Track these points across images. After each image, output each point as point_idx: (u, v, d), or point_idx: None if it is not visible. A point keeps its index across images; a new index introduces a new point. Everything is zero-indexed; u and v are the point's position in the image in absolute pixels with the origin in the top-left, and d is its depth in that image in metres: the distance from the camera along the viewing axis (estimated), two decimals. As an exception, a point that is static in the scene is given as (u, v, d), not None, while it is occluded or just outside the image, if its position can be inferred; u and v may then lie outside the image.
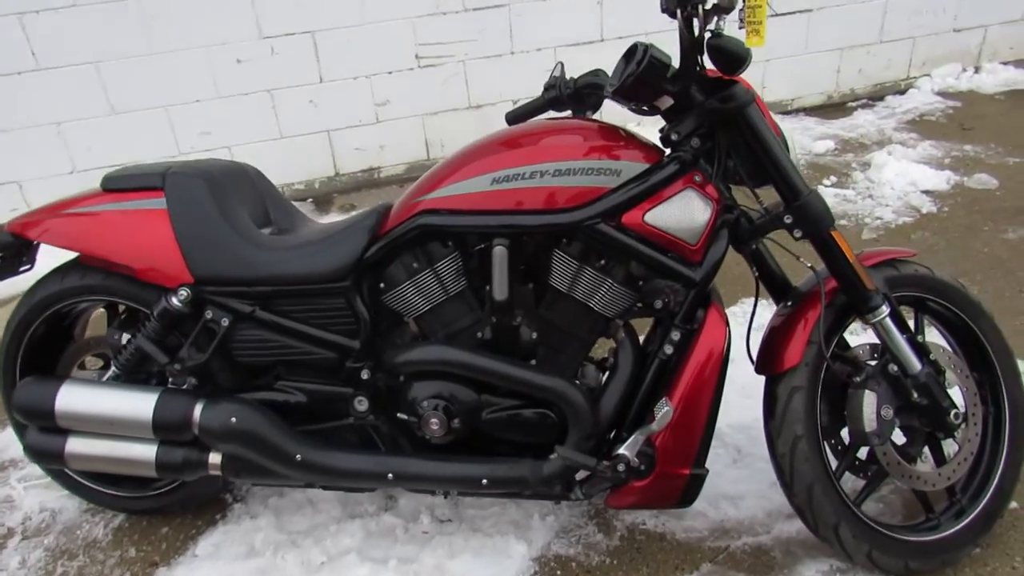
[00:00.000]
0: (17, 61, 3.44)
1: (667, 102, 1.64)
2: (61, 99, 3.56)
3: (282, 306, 1.77)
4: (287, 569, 1.90)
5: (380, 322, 1.78)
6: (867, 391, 1.65)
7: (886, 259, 1.76)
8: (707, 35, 1.50)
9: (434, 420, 1.69)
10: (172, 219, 1.75)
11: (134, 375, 1.86)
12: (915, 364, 1.65)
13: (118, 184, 1.83)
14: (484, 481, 1.69)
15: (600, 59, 3.99)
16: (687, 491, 1.66)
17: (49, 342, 1.99)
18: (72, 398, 1.71)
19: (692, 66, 1.54)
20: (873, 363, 1.69)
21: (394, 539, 1.97)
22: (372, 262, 1.72)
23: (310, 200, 4.20)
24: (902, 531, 1.73)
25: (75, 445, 1.76)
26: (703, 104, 1.60)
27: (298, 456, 1.71)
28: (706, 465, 1.68)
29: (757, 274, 1.81)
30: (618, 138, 1.65)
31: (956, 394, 1.75)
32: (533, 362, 1.73)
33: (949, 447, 1.79)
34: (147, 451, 1.75)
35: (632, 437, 1.62)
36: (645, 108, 1.68)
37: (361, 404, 1.78)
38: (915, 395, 1.65)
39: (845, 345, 1.76)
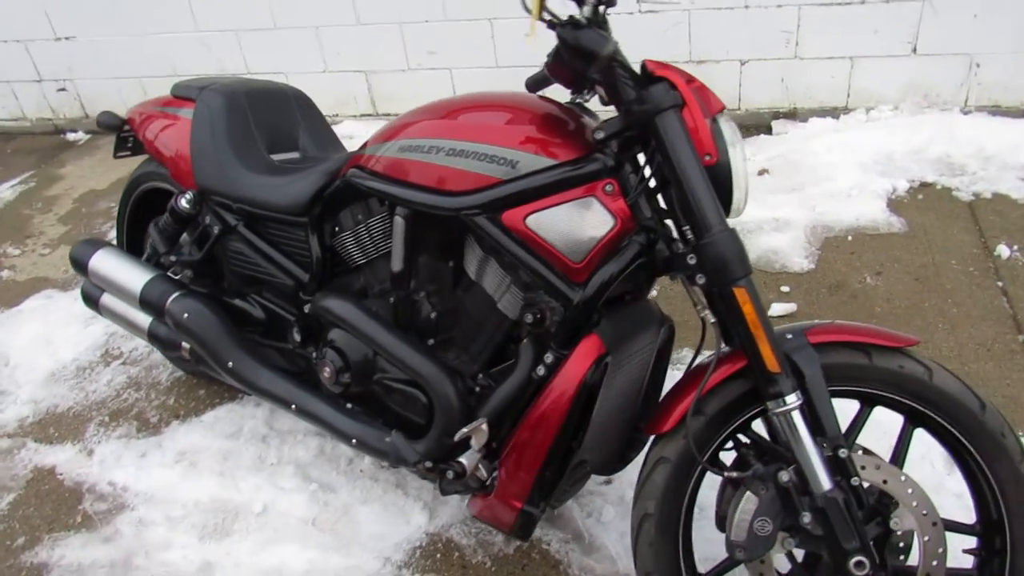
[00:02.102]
0: (288, -31, 3.98)
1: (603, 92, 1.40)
2: (321, 5, 4.03)
3: (258, 227, 1.92)
4: (242, 460, 2.14)
5: (337, 264, 1.84)
6: (749, 493, 1.31)
7: (853, 340, 1.33)
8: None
9: (327, 368, 1.73)
10: (191, 130, 1.97)
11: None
12: (821, 481, 1.25)
13: (178, 92, 2.10)
14: (353, 441, 1.70)
15: (853, 24, 3.38)
16: (520, 525, 1.50)
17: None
18: (99, 262, 2.06)
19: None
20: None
21: (334, 467, 2.08)
22: (327, 204, 1.77)
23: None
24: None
25: (105, 300, 2.14)
26: (629, 103, 1.33)
27: (230, 363, 1.88)
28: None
29: (704, 313, 1.47)
30: (547, 126, 1.43)
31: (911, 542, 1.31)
32: (431, 342, 1.66)
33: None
34: (145, 321, 2.06)
35: (470, 450, 1.51)
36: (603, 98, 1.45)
37: (297, 335, 1.88)
38: (806, 519, 1.27)
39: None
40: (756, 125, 3.73)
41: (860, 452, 1.38)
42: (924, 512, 1.30)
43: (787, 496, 1.28)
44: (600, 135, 1.36)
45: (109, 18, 4.36)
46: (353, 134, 3.93)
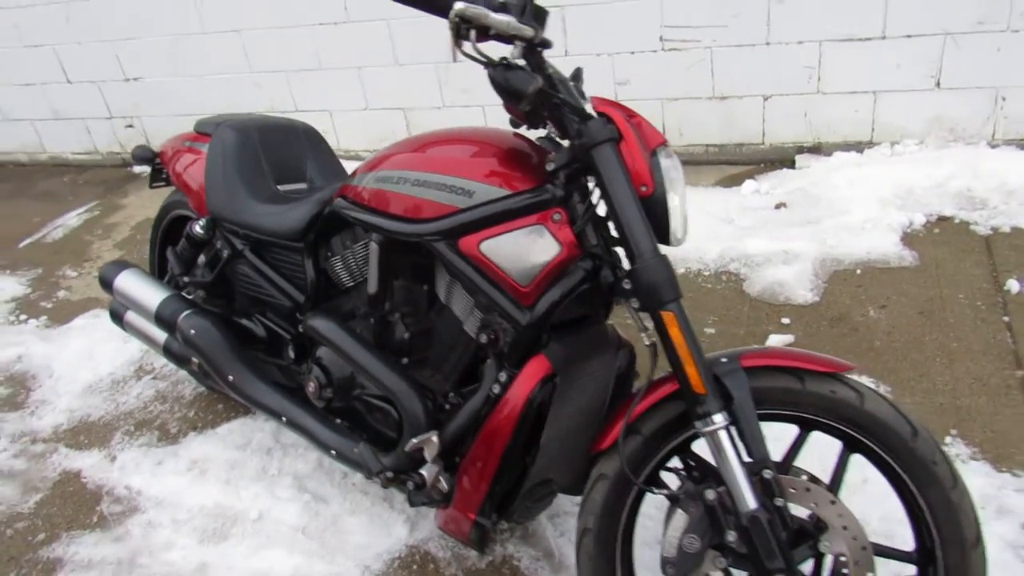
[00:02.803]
0: (334, 14, 4.20)
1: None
2: (362, 48, 4.25)
3: (262, 252, 2.07)
4: (247, 470, 2.27)
5: (330, 286, 1.97)
6: (680, 511, 1.36)
7: (786, 365, 1.37)
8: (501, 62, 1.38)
9: (312, 382, 1.85)
10: (206, 163, 2.14)
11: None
12: (745, 500, 1.29)
13: (200, 128, 2.29)
14: (332, 452, 1.81)
15: (875, 59, 3.38)
16: (474, 537, 1.57)
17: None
18: (123, 282, 2.25)
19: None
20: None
21: (330, 480, 2.19)
22: (320, 231, 1.91)
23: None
24: None
25: (129, 317, 2.33)
26: (572, 137, 1.42)
27: (231, 377, 2.02)
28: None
29: (641, 335, 1.51)
30: (506, 159, 1.53)
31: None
32: (406, 361, 1.77)
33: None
34: (161, 337, 2.23)
35: (429, 462, 1.59)
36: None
37: (291, 352, 2.01)
38: (731, 537, 1.31)
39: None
40: (780, 159, 3.75)
41: (805, 477, 1.42)
42: (854, 537, 1.32)
43: (714, 514, 1.32)
44: (551, 167, 1.46)
45: (172, 61, 4.70)
46: (388, 167, 4.11)
